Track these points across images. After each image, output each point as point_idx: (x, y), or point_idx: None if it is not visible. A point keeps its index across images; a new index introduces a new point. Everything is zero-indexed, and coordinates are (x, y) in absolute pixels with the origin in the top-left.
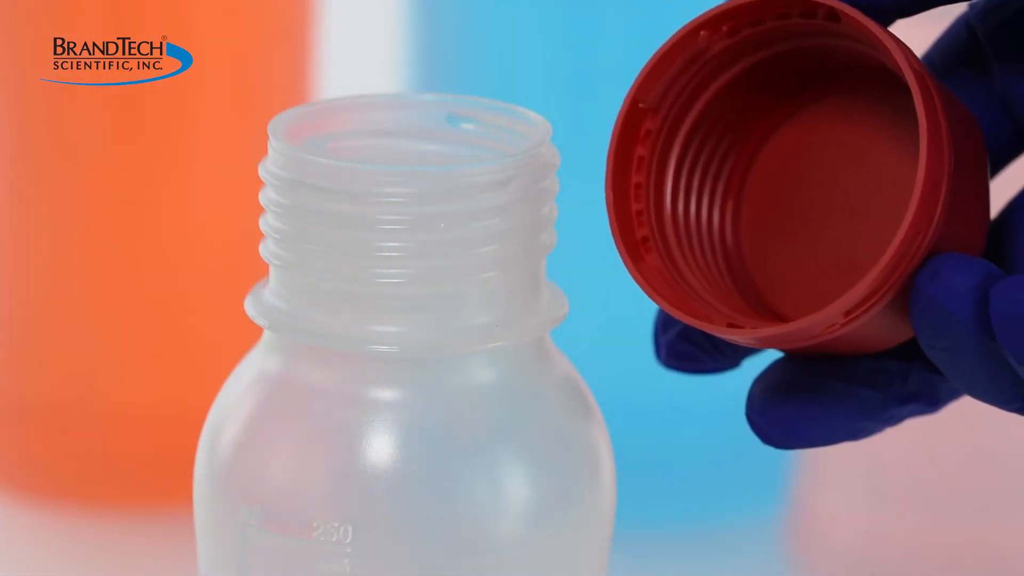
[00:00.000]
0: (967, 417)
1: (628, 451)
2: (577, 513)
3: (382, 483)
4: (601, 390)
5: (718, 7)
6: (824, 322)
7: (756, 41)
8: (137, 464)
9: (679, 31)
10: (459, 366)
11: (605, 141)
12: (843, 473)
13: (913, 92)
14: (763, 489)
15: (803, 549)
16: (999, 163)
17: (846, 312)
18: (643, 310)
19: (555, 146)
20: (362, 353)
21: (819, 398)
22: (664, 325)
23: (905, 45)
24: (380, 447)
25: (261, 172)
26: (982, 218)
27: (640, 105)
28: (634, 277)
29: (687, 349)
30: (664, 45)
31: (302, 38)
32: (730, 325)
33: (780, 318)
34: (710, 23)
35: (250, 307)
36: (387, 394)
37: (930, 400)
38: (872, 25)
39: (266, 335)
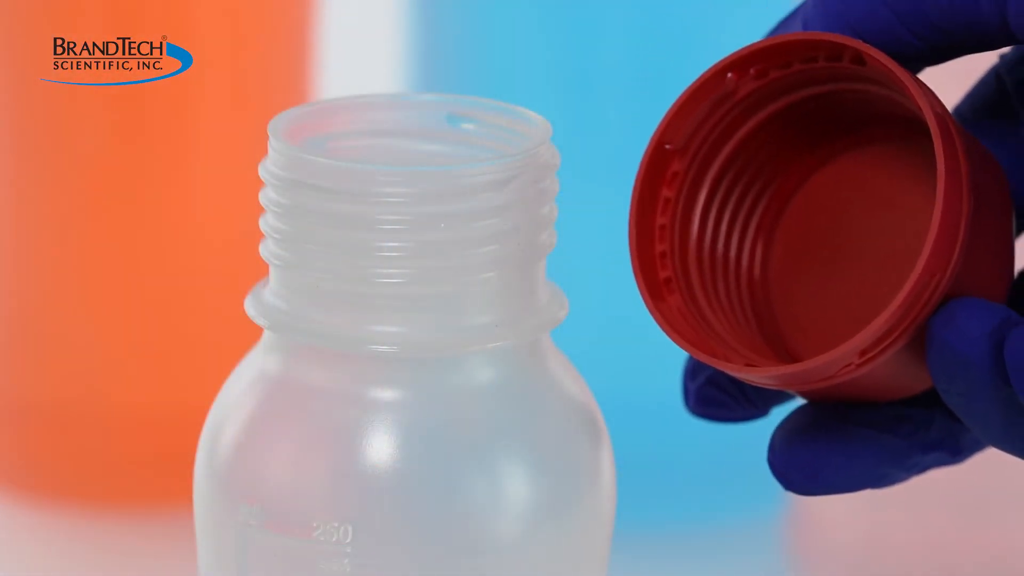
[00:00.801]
0: None
1: (628, 451)
2: (577, 513)
3: (382, 483)
4: (601, 390)
5: (744, 49)
6: (839, 361)
7: (785, 84)
8: (137, 464)
9: (705, 73)
10: (459, 366)
11: (605, 141)
12: None
13: (932, 133)
14: (763, 489)
15: (803, 549)
16: None
17: (861, 352)
18: (643, 311)
19: (555, 146)
20: (362, 353)
21: (841, 444)
22: (693, 372)
23: (930, 90)
24: (380, 447)
25: (261, 172)
26: (1005, 265)
27: (667, 147)
28: (654, 317)
29: (716, 396)
30: (690, 87)
31: (302, 38)
32: (747, 364)
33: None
34: (737, 65)
35: (250, 307)
36: (387, 394)
37: (953, 449)
38: (896, 68)
39: (266, 335)
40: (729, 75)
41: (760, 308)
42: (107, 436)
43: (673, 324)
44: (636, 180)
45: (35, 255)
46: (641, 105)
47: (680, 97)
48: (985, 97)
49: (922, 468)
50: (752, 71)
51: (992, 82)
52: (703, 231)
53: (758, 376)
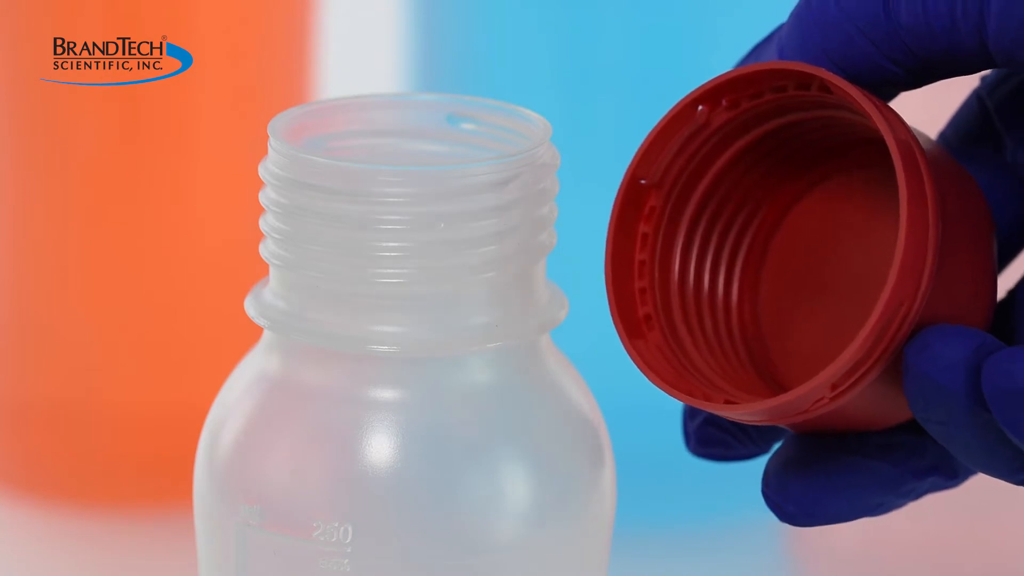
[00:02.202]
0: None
1: (628, 451)
2: (577, 513)
3: (382, 483)
4: (601, 390)
5: (714, 80)
6: (810, 396)
7: (758, 114)
8: (137, 464)
9: (676, 106)
10: (459, 366)
11: (605, 141)
12: None
13: (894, 159)
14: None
15: (803, 549)
16: (1018, 236)
17: (832, 386)
18: None
19: (555, 146)
20: (362, 353)
21: (834, 473)
22: (692, 412)
23: (896, 116)
24: (380, 447)
25: (261, 172)
26: (985, 292)
27: (641, 182)
28: (630, 355)
29: (716, 435)
30: (661, 120)
31: (302, 38)
32: (727, 402)
33: None
34: (707, 96)
35: (250, 307)
36: (387, 394)
37: (949, 474)
38: (858, 95)
39: (266, 335)
40: (700, 107)
41: (752, 344)
42: (107, 436)
43: (650, 362)
44: (612, 215)
45: (35, 255)
46: (641, 105)
47: (652, 131)
48: (968, 121)
49: (919, 493)
50: (724, 102)
51: (974, 105)
52: (686, 266)
53: (736, 413)
